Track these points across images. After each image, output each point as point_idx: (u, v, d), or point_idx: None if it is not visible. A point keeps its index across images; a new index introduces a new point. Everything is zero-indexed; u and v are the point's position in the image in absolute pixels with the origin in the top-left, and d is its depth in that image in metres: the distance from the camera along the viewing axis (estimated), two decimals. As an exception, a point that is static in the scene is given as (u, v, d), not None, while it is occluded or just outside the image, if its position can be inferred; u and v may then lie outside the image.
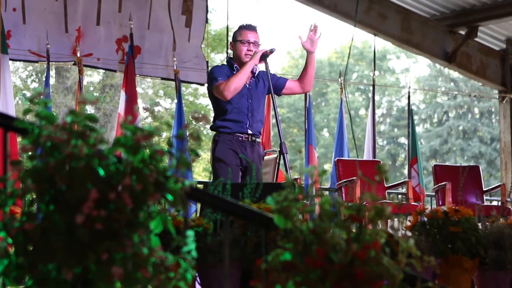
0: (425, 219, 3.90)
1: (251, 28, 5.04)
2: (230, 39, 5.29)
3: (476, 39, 9.41)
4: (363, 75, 24.08)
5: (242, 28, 5.05)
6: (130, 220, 1.66)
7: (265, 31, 31.60)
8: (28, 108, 1.76)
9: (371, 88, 8.91)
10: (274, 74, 5.12)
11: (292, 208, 1.75)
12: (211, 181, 4.62)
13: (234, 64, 5.00)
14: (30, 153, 1.69)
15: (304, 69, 5.09)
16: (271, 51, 4.87)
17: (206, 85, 5.32)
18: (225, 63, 5.16)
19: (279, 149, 5.02)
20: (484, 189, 7.23)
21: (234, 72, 4.93)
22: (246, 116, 4.94)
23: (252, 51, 4.95)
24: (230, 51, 5.25)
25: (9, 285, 1.68)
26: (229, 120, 4.92)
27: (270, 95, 4.98)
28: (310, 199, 1.89)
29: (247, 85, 4.97)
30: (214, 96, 4.94)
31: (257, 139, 4.98)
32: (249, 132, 4.93)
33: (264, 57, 4.89)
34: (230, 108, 4.91)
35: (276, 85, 5.07)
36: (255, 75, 5.03)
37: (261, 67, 5.00)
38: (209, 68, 6.06)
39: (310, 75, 5.07)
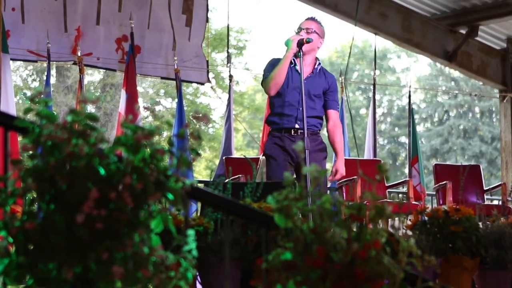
0: (426, 218, 3.91)
1: (308, 18, 4.97)
2: (231, 38, 5.27)
3: (477, 38, 9.40)
4: (364, 74, 24.07)
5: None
6: (131, 219, 1.66)
7: (265, 31, 31.63)
8: (29, 107, 1.76)
9: (371, 87, 8.90)
10: (336, 88, 4.98)
11: (293, 207, 1.75)
12: (212, 180, 4.60)
13: None
14: (30, 152, 1.69)
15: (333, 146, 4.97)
16: (308, 41, 4.71)
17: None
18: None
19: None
20: (485, 188, 7.23)
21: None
22: (296, 109, 4.78)
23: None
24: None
25: (9, 284, 1.68)
26: (276, 114, 4.83)
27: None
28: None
29: (304, 80, 4.74)
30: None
31: (312, 132, 4.77)
32: (296, 126, 4.77)
33: (299, 44, 4.73)
34: (279, 103, 4.82)
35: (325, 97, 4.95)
36: (317, 70, 4.91)
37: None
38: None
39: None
